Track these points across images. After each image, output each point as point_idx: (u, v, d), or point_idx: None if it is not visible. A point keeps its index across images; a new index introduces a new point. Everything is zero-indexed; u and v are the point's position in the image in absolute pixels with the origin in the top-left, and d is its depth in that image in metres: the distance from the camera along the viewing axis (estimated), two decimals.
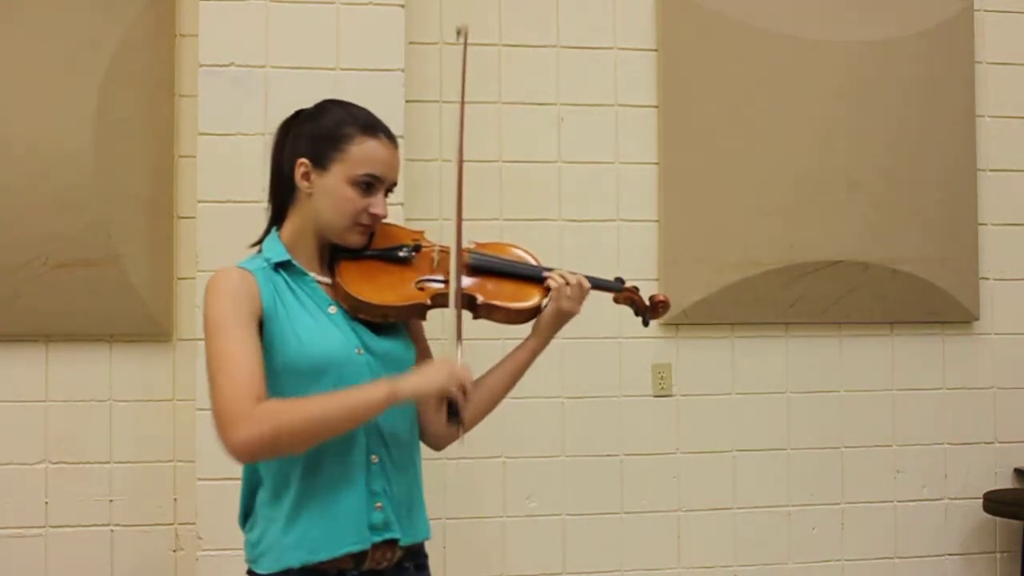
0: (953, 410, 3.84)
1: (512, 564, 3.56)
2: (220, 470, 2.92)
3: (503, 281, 1.99)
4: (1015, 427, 3.87)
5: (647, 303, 2.15)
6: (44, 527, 3.34)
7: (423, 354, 2.02)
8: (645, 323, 2.18)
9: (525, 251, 2.07)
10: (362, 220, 1.88)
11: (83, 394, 3.37)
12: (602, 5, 3.68)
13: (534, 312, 1.99)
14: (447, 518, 3.41)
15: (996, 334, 3.88)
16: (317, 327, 1.84)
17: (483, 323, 2.00)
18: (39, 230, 3.27)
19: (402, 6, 3.31)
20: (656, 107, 3.69)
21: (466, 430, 1.93)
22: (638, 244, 3.66)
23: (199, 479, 3.13)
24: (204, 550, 3.13)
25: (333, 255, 1.93)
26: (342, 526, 1.80)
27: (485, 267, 1.99)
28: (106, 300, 3.32)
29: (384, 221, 1.94)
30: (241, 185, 3.14)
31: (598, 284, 2.06)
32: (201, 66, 3.21)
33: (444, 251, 1.95)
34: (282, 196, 1.93)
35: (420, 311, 1.93)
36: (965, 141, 3.82)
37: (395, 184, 1.93)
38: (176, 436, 3.37)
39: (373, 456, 1.84)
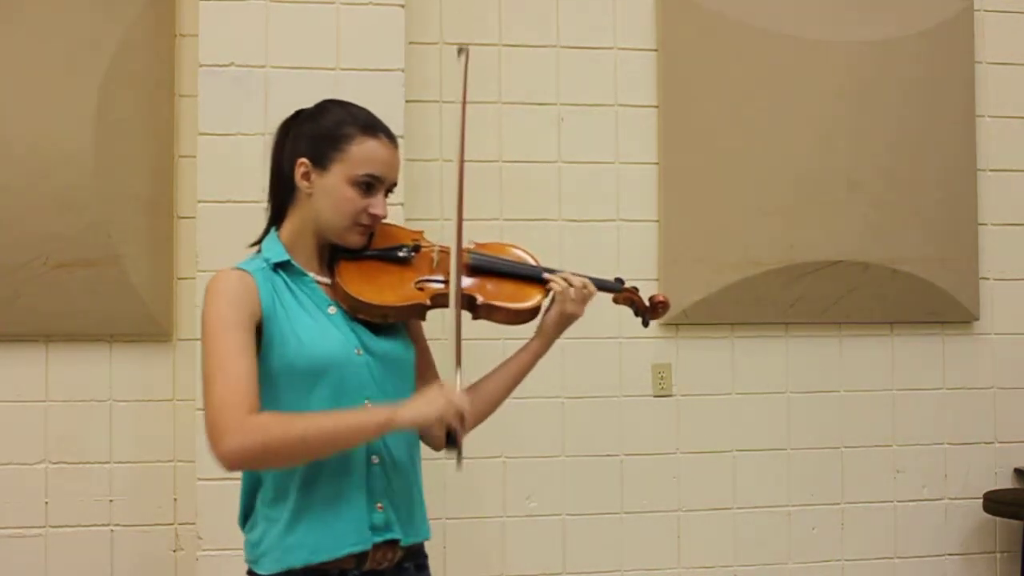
0: (953, 410, 3.84)
1: (512, 564, 3.56)
2: (220, 470, 2.91)
3: (503, 281, 1.99)
4: (1015, 427, 3.87)
5: (647, 304, 2.16)
6: (44, 527, 3.34)
7: (423, 354, 2.02)
8: (645, 323, 2.18)
9: (525, 251, 2.07)
10: (362, 220, 1.88)
11: (83, 394, 3.37)
12: (602, 5, 3.68)
13: (534, 312, 1.99)
14: (447, 518, 3.41)
15: (996, 334, 3.88)
16: (316, 327, 1.84)
17: (483, 323, 2.00)
18: (39, 230, 3.27)
19: (402, 6, 3.31)
20: (656, 107, 3.69)
21: (468, 430, 1.93)
22: (638, 244, 3.66)
23: (199, 479, 3.13)
24: (204, 550, 3.13)
25: (332, 255, 1.93)
26: (343, 527, 1.80)
27: (485, 267, 1.99)
28: (106, 300, 3.32)
29: (384, 221, 1.94)
30: (241, 185, 3.14)
31: (598, 285, 2.06)
32: (201, 66, 3.21)
33: (444, 251, 1.95)
34: (282, 196, 1.93)
35: (420, 311, 1.93)
36: (965, 141, 3.83)
37: (395, 184, 1.93)
38: (176, 436, 3.37)
39: (374, 457, 1.84)
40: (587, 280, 2.01)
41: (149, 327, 3.37)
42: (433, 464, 1.89)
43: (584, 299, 2.01)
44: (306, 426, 1.73)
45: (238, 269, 1.84)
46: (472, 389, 2.00)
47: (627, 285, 2.15)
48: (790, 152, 3.68)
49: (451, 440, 1.80)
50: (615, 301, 2.17)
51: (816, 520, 3.75)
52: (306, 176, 1.88)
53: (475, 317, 1.98)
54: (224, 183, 3.18)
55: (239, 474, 1.89)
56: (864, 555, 3.76)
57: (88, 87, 3.31)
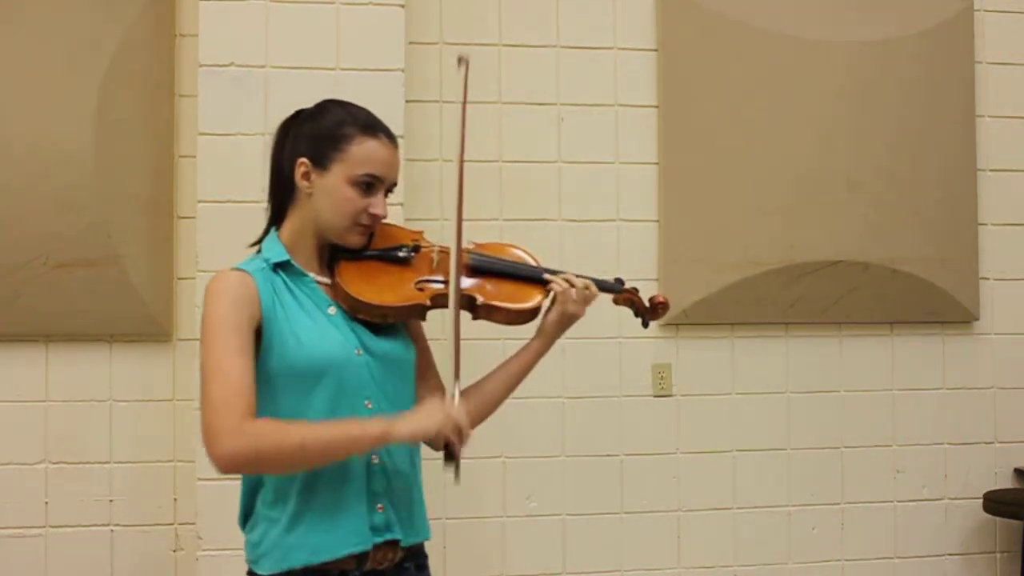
0: (953, 410, 3.84)
1: (512, 564, 3.56)
2: None
3: (503, 282, 1.99)
4: (1015, 427, 3.87)
5: (646, 304, 2.16)
6: (44, 527, 3.34)
7: (423, 355, 2.02)
8: (645, 324, 2.18)
9: (525, 251, 2.07)
10: (362, 220, 1.88)
11: (83, 394, 3.37)
12: (602, 5, 3.68)
13: (534, 313, 1.99)
14: (447, 518, 3.41)
15: (996, 334, 3.88)
16: (316, 328, 1.84)
17: (483, 323, 2.00)
18: (39, 230, 3.27)
19: (402, 6, 3.31)
20: (656, 107, 3.69)
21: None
22: (638, 244, 3.66)
23: (199, 479, 3.13)
24: (204, 550, 3.13)
25: (332, 255, 1.93)
26: (344, 527, 1.80)
27: (485, 268, 1.99)
28: (106, 300, 3.32)
29: (384, 221, 1.94)
30: (241, 185, 3.14)
31: (598, 285, 2.06)
32: (201, 66, 3.21)
33: (444, 252, 1.95)
34: (282, 196, 1.93)
35: (420, 311, 1.93)
36: (965, 141, 3.82)
37: (395, 184, 1.93)
38: (176, 436, 3.37)
39: (374, 457, 1.84)
40: (589, 281, 2.02)
41: (149, 327, 3.37)
42: (433, 464, 1.89)
43: (586, 300, 2.01)
44: (303, 435, 1.73)
45: (238, 270, 1.84)
46: (473, 388, 2.01)
47: (627, 286, 2.15)
48: (790, 152, 3.68)
49: (449, 455, 1.80)
50: (615, 302, 2.17)
51: (816, 520, 3.75)
52: (306, 176, 1.88)
53: (475, 317, 1.98)
54: (224, 183, 3.18)
55: (239, 475, 1.89)
56: (864, 555, 3.76)
57: (88, 87, 3.31)
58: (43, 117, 3.29)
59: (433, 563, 2.01)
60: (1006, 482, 3.86)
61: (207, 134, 3.21)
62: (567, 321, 2.01)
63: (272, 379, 1.80)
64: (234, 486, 1.92)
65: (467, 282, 1.95)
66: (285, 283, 1.86)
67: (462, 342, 1.85)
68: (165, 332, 3.39)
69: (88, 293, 3.30)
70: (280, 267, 1.87)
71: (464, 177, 1.90)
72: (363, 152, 1.86)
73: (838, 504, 3.76)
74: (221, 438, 1.70)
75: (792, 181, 3.68)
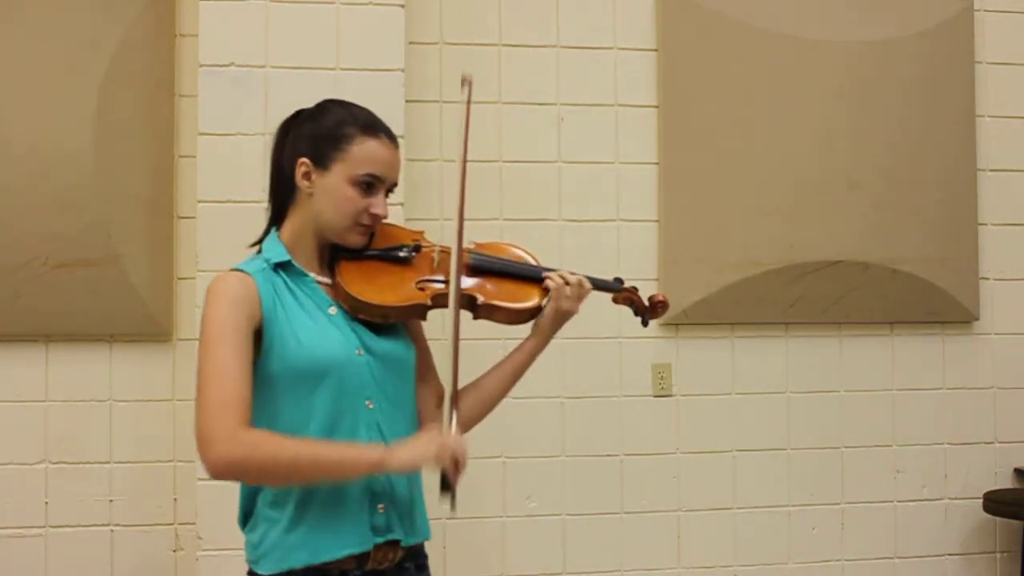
0: (953, 410, 3.84)
1: (512, 564, 3.56)
2: None
3: (503, 281, 1.99)
4: (1015, 427, 3.87)
5: (646, 303, 2.16)
6: (44, 527, 3.34)
7: (423, 355, 2.02)
8: (644, 323, 2.18)
9: (525, 251, 2.07)
10: (362, 220, 1.88)
11: (83, 394, 3.37)
12: (602, 5, 3.68)
13: (534, 312, 1.99)
14: (447, 518, 3.40)
15: (996, 334, 3.88)
16: (317, 328, 1.83)
17: (483, 323, 2.00)
18: (39, 230, 3.27)
19: (402, 6, 3.31)
20: (656, 107, 3.69)
21: (466, 430, 1.93)
22: (638, 244, 3.66)
23: (199, 479, 3.13)
24: (204, 550, 3.13)
25: (333, 255, 1.93)
26: (345, 528, 1.80)
27: (485, 267, 1.99)
28: (106, 300, 3.32)
29: (384, 221, 1.94)
30: (241, 185, 3.14)
31: (597, 284, 2.06)
32: (201, 66, 3.21)
33: (444, 251, 1.95)
34: (282, 196, 1.93)
35: (420, 311, 1.93)
36: (965, 141, 3.83)
37: (395, 184, 1.93)
38: (176, 436, 3.37)
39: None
40: (583, 278, 2.02)
41: (149, 327, 3.37)
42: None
43: (580, 297, 2.01)
44: (298, 450, 1.74)
45: (239, 271, 1.84)
46: (470, 387, 2.01)
47: (626, 285, 2.15)
48: (790, 152, 3.68)
49: (445, 484, 1.79)
50: (614, 301, 2.17)
51: (816, 520, 3.75)
52: (307, 176, 1.87)
53: (476, 317, 1.98)
54: (224, 183, 3.18)
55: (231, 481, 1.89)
56: (864, 555, 3.76)
57: (88, 87, 3.31)
58: (43, 117, 3.29)
59: (433, 563, 2.01)
60: (1006, 482, 3.86)
61: (207, 134, 3.21)
62: (562, 318, 2.00)
63: (273, 380, 1.80)
64: (234, 486, 1.92)
65: (468, 282, 1.95)
66: (286, 283, 1.86)
67: (462, 342, 1.85)
68: (165, 332, 3.39)
69: (88, 293, 3.30)
70: (281, 267, 1.87)
71: (465, 190, 1.90)
72: (364, 152, 1.86)
73: (838, 504, 3.76)
74: (215, 444, 1.70)
75: (792, 181, 3.68)
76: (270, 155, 1.95)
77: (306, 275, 1.89)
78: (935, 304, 3.78)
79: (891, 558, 3.78)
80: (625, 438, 3.64)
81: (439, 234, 2.13)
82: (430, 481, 1.87)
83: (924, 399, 3.83)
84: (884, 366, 3.81)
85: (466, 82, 1.92)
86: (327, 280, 1.91)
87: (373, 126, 1.89)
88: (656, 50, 3.70)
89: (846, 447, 3.78)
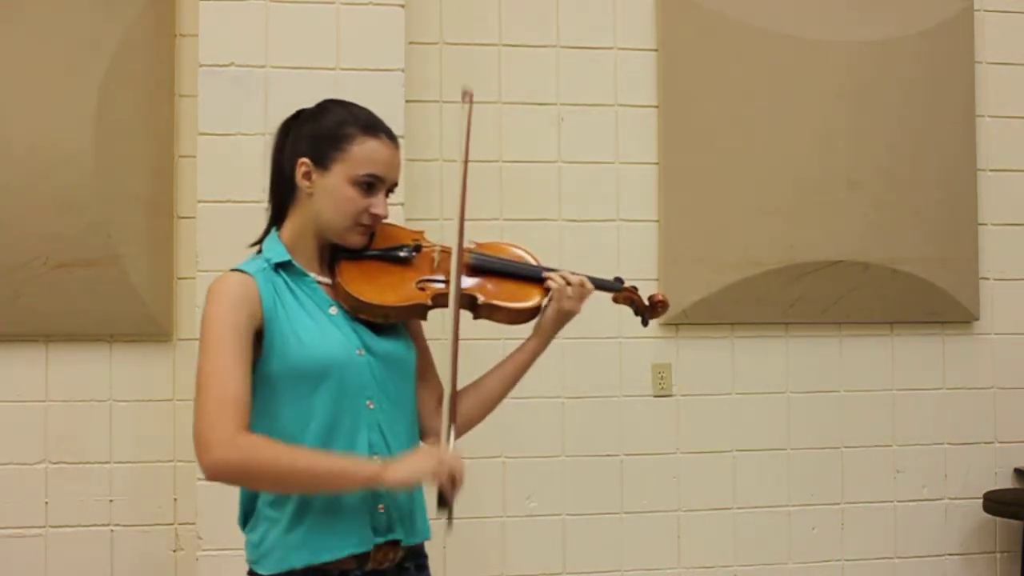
0: (953, 410, 3.84)
1: (512, 564, 3.56)
2: None
3: (504, 281, 1.99)
4: (1015, 427, 3.87)
5: (646, 303, 2.16)
6: (44, 527, 3.34)
7: (423, 355, 2.02)
8: (644, 323, 2.19)
9: (525, 251, 2.07)
10: (363, 220, 1.88)
11: (83, 394, 3.37)
12: (602, 5, 3.68)
13: (534, 312, 1.99)
14: (447, 518, 3.41)
15: (996, 334, 3.88)
16: (317, 328, 1.84)
17: (483, 323, 2.00)
18: (39, 230, 3.27)
19: (402, 6, 3.31)
20: (656, 107, 3.69)
21: (462, 432, 1.94)
22: (638, 244, 3.66)
23: (199, 479, 3.12)
24: (204, 550, 3.13)
25: (333, 255, 1.93)
26: (345, 528, 1.80)
27: (486, 267, 1.99)
28: (106, 300, 3.31)
29: (384, 221, 1.94)
30: (241, 185, 3.14)
31: (597, 284, 2.06)
32: (201, 66, 3.21)
33: (444, 251, 1.95)
34: (282, 196, 1.93)
35: (421, 311, 1.93)
36: (965, 141, 3.83)
37: (396, 184, 1.93)
38: (176, 436, 3.37)
39: (376, 457, 1.84)
40: (585, 279, 2.02)
41: (149, 327, 3.37)
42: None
43: (581, 297, 2.01)
44: (295, 459, 1.73)
45: (240, 272, 1.84)
46: (471, 387, 2.02)
47: (626, 284, 2.15)
48: (790, 152, 3.68)
49: (442, 500, 1.78)
50: (615, 300, 2.17)
51: (816, 520, 3.75)
52: (307, 176, 1.88)
53: (476, 317, 1.98)
54: (224, 183, 3.18)
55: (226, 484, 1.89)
56: (864, 555, 3.76)
57: (88, 87, 3.31)
58: (43, 117, 3.29)
59: (433, 563, 2.02)
60: (1006, 482, 3.86)
61: (207, 134, 3.21)
62: (563, 318, 2.01)
63: (274, 380, 1.80)
64: (234, 487, 1.92)
65: (468, 282, 1.95)
66: (286, 283, 1.86)
67: (462, 342, 1.85)
68: (165, 332, 3.39)
69: (88, 293, 3.30)
70: (281, 267, 1.87)
71: (466, 198, 1.89)
72: (364, 152, 1.86)
73: (838, 504, 3.76)
74: (212, 447, 1.70)
75: (792, 181, 3.68)
76: (270, 155, 1.95)
77: (306, 275, 1.89)
78: (935, 304, 3.78)
79: (891, 558, 3.78)
80: (625, 438, 3.64)
81: (439, 234, 2.14)
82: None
83: (924, 399, 3.83)
84: (884, 366, 3.81)
85: (467, 96, 1.92)
86: (327, 280, 1.91)
87: (374, 126, 1.89)
88: (656, 50, 3.70)
89: (846, 447, 3.78)
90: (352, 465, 1.76)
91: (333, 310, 1.87)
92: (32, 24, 3.31)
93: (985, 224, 3.86)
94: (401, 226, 2.04)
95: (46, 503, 3.35)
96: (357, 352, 1.85)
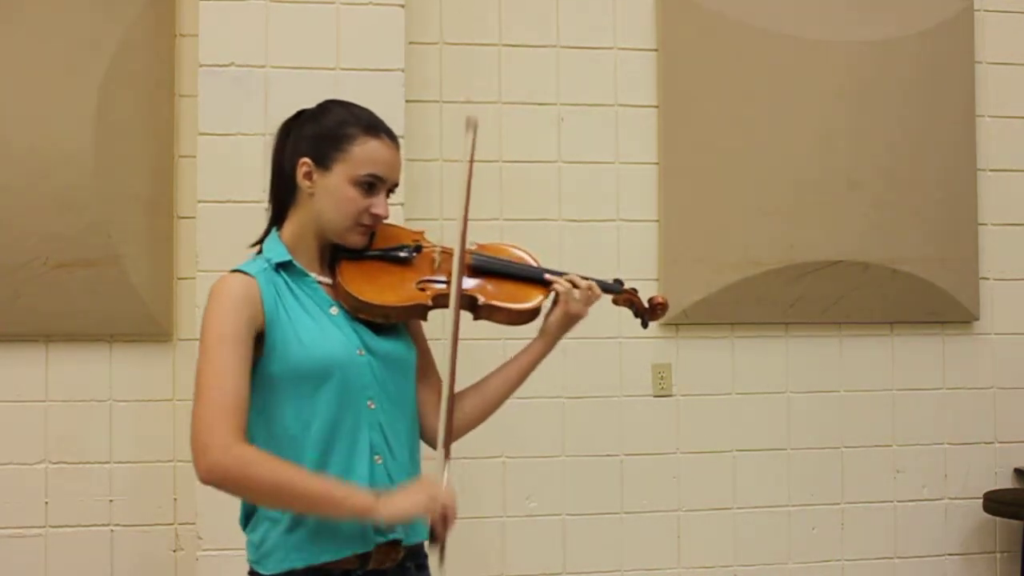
0: (953, 410, 3.84)
1: (512, 564, 3.56)
2: None
3: (504, 282, 1.99)
4: (1015, 427, 3.87)
5: (646, 305, 2.16)
6: (44, 527, 3.34)
7: (424, 355, 2.02)
8: (644, 324, 2.19)
9: (526, 252, 2.08)
10: (363, 220, 1.88)
11: (83, 394, 3.37)
12: (602, 5, 3.68)
13: (534, 313, 2.00)
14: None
15: (996, 334, 3.88)
16: (318, 328, 1.84)
17: (484, 323, 2.00)
18: (39, 230, 3.27)
19: (402, 6, 3.31)
20: (656, 107, 3.69)
21: (464, 432, 1.94)
22: (638, 244, 3.66)
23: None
24: (204, 550, 3.13)
25: (334, 255, 1.93)
26: (347, 528, 1.80)
27: (486, 268, 2.00)
28: (106, 300, 3.31)
29: (385, 222, 1.94)
30: (241, 185, 3.14)
31: (598, 286, 2.06)
32: (201, 66, 3.21)
33: (445, 252, 1.96)
34: (283, 196, 1.93)
35: (421, 311, 1.93)
36: (965, 141, 3.83)
37: (396, 185, 1.93)
38: (176, 436, 3.37)
39: (376, 457, 1.84)
40: (592, 282, 2.02)
41: (149, 327, 3.37)
42: (432, 464, 1.89)
43: (589, 300, 2.01)
44: (290, 478, 1.73)
45: (242, 273, 1.84)
46: (474, 388, 2.02)
47: (626, 287, 2.15)
48: (790, 152, 3.68)
49: (433, 535, 1.77)
50: (614, 302, 2.18)
51: (816, 520, 3.75)
52: (308, 176, 1.88)
53: (476, 317, 1.98)
54: (224, 183, 3.18)
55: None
56: (864, 555, 3.76)
57: (88, 87, 3.31)
58: (43, 117, 3.29)
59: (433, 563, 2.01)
60: (1006, 482, 3.86)
61: (207, 134, 3.20)
62: (570, 321, 2.01)
63: (275, 381, 1.80)
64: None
65: (468, 282, 1.95)
66: (287, 283, 1.86)
67: (462, 342, 1.85)
68: (165, 332, 3.39)
69: (88, 293, 3.30)
70: (282, 267, 1.87)
71: (467, 221, 1.89)
72: (365, 152, 1.86)
73: (838, 504, 3.76)
74: (209, 452, 1.70)
75: (792, 181, 3.68)
76: (271, 155, 1.95)
77: (307, 275, 1.89)
78: (935, 304, 3.78)
79: (891, 558, 3.78)
80: (625, 438, 3.64)
81: (439, 234, 2.14)
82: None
83: (924, 399, 3.83)
84: (884, 366, 3.81)
85: (471, 124, 1.91)
86: (328, 280, 1.91)
87: (374, 126, 1.89)
88: (656, 50, 3.70)
89: (846, 447, 3.78)
90: (347, 493, 1.74)
91: (334, 310, 1.88)
92: (32, 24, 3.31)
93: (985, 224, 3.86)
94: (401, 226, 2.04)
95: (46, 503, 3.35)
96: (358, 352, 1.85)
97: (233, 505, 1.90)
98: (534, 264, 2.04)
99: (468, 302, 1.94)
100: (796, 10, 3.72)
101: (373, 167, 1.87)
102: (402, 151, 1.96)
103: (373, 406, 1.85)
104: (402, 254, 1.94)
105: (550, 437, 3.60)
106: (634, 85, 3.69)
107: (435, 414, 1.93)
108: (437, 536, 1.77)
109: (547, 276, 2.01)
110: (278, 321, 1.81)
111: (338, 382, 1.81)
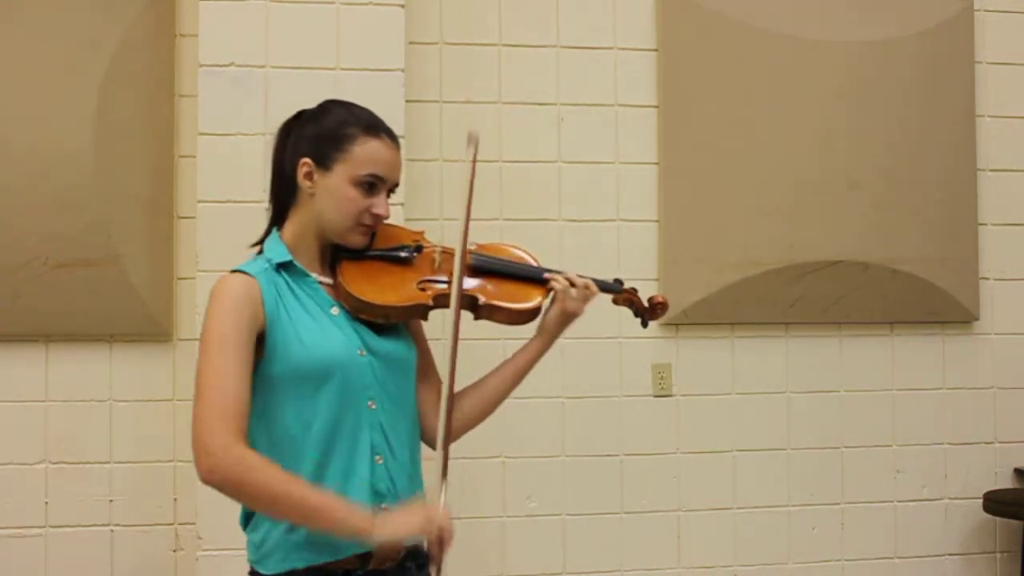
0: (953, 410, 3.84)
1: (512, 564, 3.56)
2: None
3: (504, 282, 1.99)
4: (1015, 427, 3.87)
5: (646, 304, 2.17)
6: (44, 527, 3.34)
7: (424, 355, 2.03)
8: (644, 324, 2.19)
9: (526, 252, 2.08)
10: (364, 220, 1.88)
11: (83, 394, 3.37)
12: (602, 5, 3.68)
13: (535, 313, 2.00)
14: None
15: (996, 334, 3.88)
16: (319, 329, 1.84)
17: (483, 323, 2.00)
18: (39, 230, 3.27)
19: (402, 6, 3.31)
20: (656, 107, 3.69)
21: (463, 432, 1.94)
22: (638, 244, 3.66)
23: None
24: (204, 550, 3.13)
25: (334, 255, 1.93)
26: (348, 502, 1.79)
27: (486, 268, 2.00)
28: (106, 300, 3.31)
29: (385, 222, 1.94)
30: (241, 185, 3.14)
31: (598, 285, 2.07)
32: (201, 66, 3.21)
33: (445, 252, 1.96)
34: (283, 196, 1.93)
35: (422, 311, 1.93)
36: (965, 141, 3.83)
37: (397, 185, 1.93)
38: (176, 436, 3.37)
39: (377, 457, 1.84)
40: (589, 280, 2.02)
41: (149, 327, 3.37)
42: (433, 464, 1.89)
43: (585, 298, 2.02)
44: (289, 489, 1.72)
45: (243, 273, 1.84)
46: (473, 388, 2.02)
47: (626, 286, 2.16)
48: (790, 152, 3.68)
49: (430, 558, 1.77)
50: (614, 302, 2.18)
51: (816, 520, 3.75)
52: (308, 176, 1.88)
53: (476, 317, 1.98)
54: (224, 183, 3.18)
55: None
56: (864, 555, 3.76)
57: (88, 87, 3.31)
58: (43, 117, 3.29)
59: None
60: (1006, 482, 3.86)
61: (207, 134, 3.20)
62: (567, 319, 2.01)
63: (276, 381, 1.80)
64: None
65: (469, 282, 1.95)
66: (287, 283, 1.86)
67: (461, 342, 1.85)
68: (165, 332, 3.39)
69: (88, 293, 3.30)
70: (283, 267, 1.87)
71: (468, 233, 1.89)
72: (366, 152, 1.86)
73: (838, 504, 3.77)
74: (210, 455, 1.70)
75: (792, 181, 3.68)
76: (271, 155, 1.95)
77: (308, 275, 1.89)
78: (935, 304, 3.78)
79: (891, 558, 3.78)
80: (625, 438, 3.64)
81: (439, 234, 2.14)
82: (429, 479, 1.87)
83: (924, 399, 3.83)
84: (884, 366, 3.81)
85: (472, 139, 1.91)
86: (329, 280, 1.91)
87: (375, 126, 1.89)
88: (656, 50, 3.70)
89: (846, 447, 3.78)
90: (345, 511, 1.74)
91: (335, 310, 1.88)
92: (32, 24, 3.31)
93: (985, 224, 3.86)
94: (402, 226, 2.04)
95: (46, 503, 3.35)
96: (358, 352, 1.85)
97: (233, 505, 1.90)
98: (534, 264, 2.05)
99: (469, 302, 1.94)
100: (796, 10, 3.72)
101: (374, 167, 1.87)
102: (402, 151, 1.96)
103: (374, 406, 1.85)
104: (403, 254, 1.94)
105: (550, 437, 3.60)
106: (634, 85, 3.69)
107: (435, 414, 1.93)
108: (433, 558, 1.77)
109: (546, 275, 2.01)
110: (279, 321, 1.81)
111: (339, 382, 1.81)
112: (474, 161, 1.89)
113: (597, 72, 3.67)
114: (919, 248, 3.75)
